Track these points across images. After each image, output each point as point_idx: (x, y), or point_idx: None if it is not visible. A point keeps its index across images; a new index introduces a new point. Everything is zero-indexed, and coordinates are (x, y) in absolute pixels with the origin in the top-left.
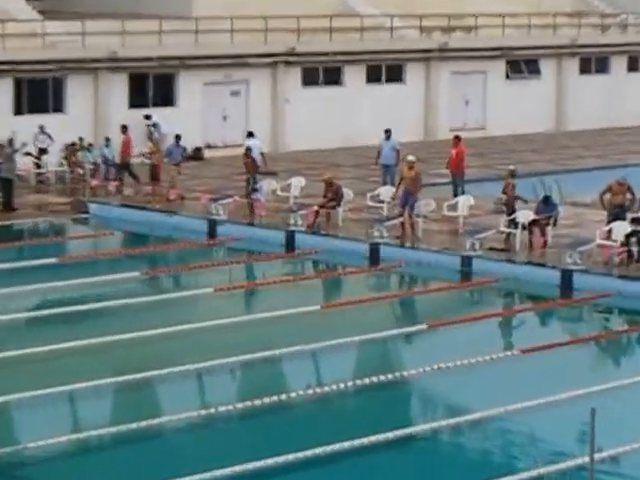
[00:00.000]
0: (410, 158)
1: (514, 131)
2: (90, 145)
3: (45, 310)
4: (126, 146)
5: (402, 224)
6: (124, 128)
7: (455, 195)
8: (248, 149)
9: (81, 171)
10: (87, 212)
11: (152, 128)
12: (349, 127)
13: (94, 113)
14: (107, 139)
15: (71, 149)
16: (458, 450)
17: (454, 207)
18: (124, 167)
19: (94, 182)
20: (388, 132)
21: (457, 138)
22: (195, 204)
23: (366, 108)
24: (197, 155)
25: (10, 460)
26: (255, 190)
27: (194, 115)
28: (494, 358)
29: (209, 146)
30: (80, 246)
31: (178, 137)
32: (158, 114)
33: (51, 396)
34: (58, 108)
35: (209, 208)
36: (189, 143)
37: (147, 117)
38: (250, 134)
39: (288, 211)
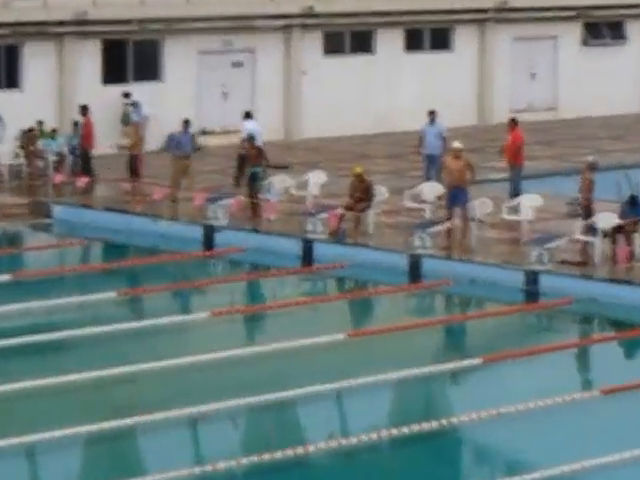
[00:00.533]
0: (456, 145)
1: (592, 113)
2: (53, 131)
3: None
4: (87, 132)
5: (449, 231)
6: (84, 109)
7: (514, 194)
8: (251, 137)
9: (41, 164)
10: (49, 216)
11: (130, 108)
12: (382, 107)
13: (58, 90)
14: (75, 124)
15: (29, 136)
16: None
17: (516, 209)
18: (83, 159)
19: (58, 178)
20: (432, 115)
21: (513, 121)
22: (187, 206)
23: (404, 83)
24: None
25: None
26: (256, 182)
27: (185, 93)
28: (567, 400)
29: (204, 132)
30: (41, 259)
31: (187, 123)
32: (140, 91)
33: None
34: (12, 84)
35: (205, 211)
36: (178, 129)
37: (126, 95)
38: (247, 115)
39: (305, 214)
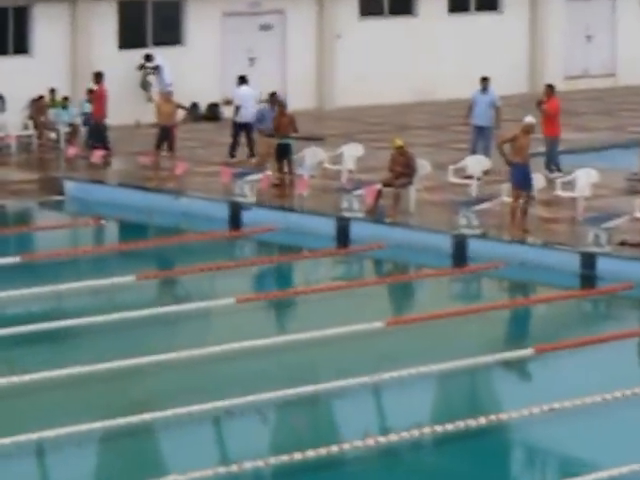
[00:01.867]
0: (530, 120)
1: None
2: (66, 100)
3: (3, 329)
4: (100, 102)
5: (513, 211)
6: (97, 77)
7: (551, 169)
8: (282, 104)
9: (53, 136)
10: (62, 193)
11: (151, 73)
12: (423, 74)
13: (71, 56)
14: (90, 91)
15: (38, 105)
16: None
17: (571, 185)
18: (96, 132)
19: (71, 151)
20: (485, 82)
21: (550, 88)
22: (212, 182)
23: (447, 48)
24: (213, 114)
25: None
26: (286, 156)
27: (208, 59)
28: (629, 395)
29: (229, 102)
30: (52, 240)
31: (273, 96)
32: (159, 57)
33: (12, 447)
34: (21, 49)
35: (232, 187)
36: (202, 97)
37: (147, 58)
38: (242, 80)
39: (340, 191)
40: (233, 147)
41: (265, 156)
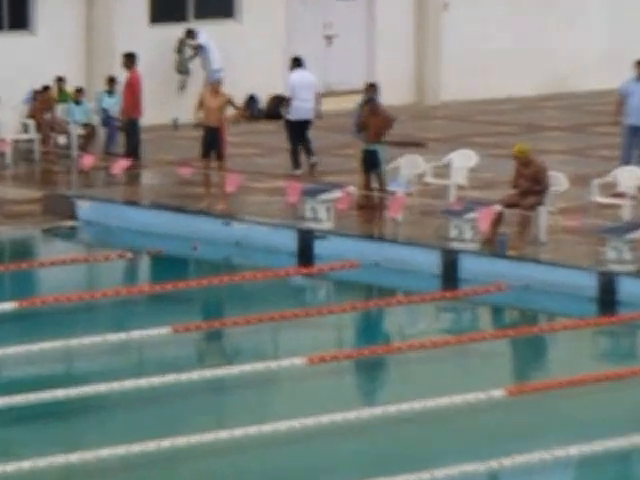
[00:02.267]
0: None
1: None
2: (79, 92)
3: None
4: (132, 93)
5: None
6: (129, 59)
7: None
8: (372, 99)
9: (62, 140)
10: (74, 217)
11: (193, 55)
12: (558, 59)
13: (86, 33)
14: (111, 80)
15: (42, 99)
16: None
17: None
18: (126, 129)
19: (86, 161)
20: None
21: None
22: (275, 201)
23: (589, 26)
24: (275, 110)
25: None
26: (376, 166)
27: (270, 37)
28: None
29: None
30: (60, 280)
31: (373, 87)
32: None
33: None
34: (20, 23)
35: (301, 209)
36: (261, 89)
37: (189, 34)
38: (297, 62)
39: (446, 214)
40: (294, 155)
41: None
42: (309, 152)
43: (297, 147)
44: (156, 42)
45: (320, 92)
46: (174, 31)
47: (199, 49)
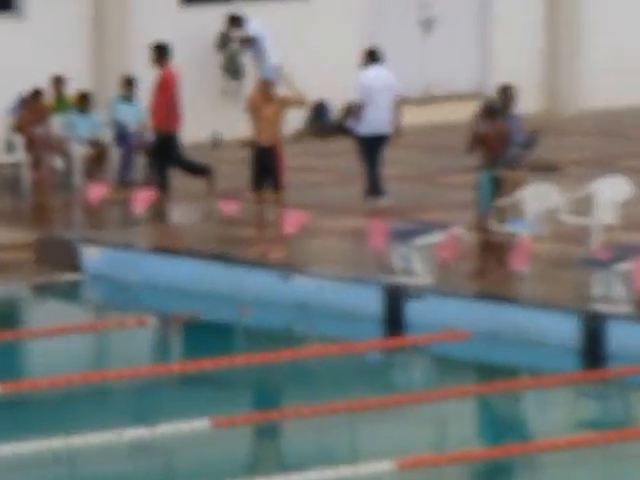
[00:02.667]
0: None
1: None
2: (84, 98)
3: None
4: (165, 97)
5: None
6: (160, 52)
7: None
8: (491, 107)
9: (59, 163)
10: (77, 268)
11: (241, 49)
12: None
13: (94, 19)
14: (128, 82)
15: (34, 108)
16: None
17: None
18: (155, 149)
19: (94, 192)
20: None
21: None
22: (352, 247)
23: None
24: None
25: None
26: (494, 195)
27: (345, 23)
28: None
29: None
30: (58, 355)
31: (508, 91)
32: (257, 20)
33: None
34: (2, 4)
35: (388, 257)
36: (334, 94)
37: (234, 21)
38: (373, 57)
39: (589, 264)
40: (373, 179)
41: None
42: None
43: (376, 168)
44: (189, 30)
45: (399, 98)
46: (214, 15)
47: (249, 42)
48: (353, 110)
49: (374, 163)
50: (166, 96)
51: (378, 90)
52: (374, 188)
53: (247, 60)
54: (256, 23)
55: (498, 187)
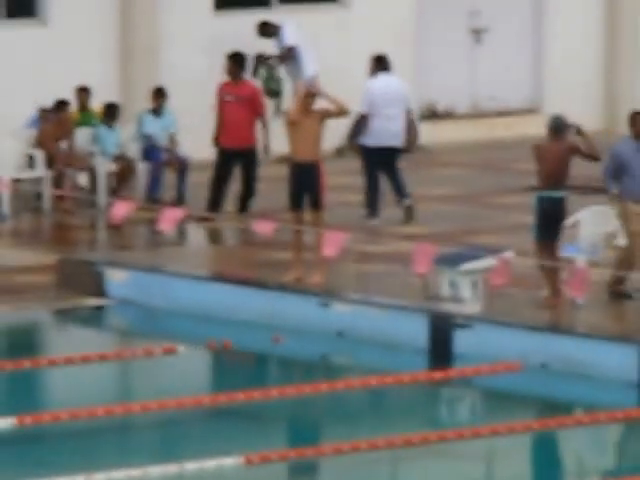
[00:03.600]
0: None
1: None
2: (110, 110)
3: None
4: (258, 113)
5: None
6: (237, 62)
7: None
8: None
9: (83, 180)
10: (100, 293)
11: (278, 62)
12: None
13: (122, 26)
14: (158, 93)
15: (57, 121)
16: None
17: None
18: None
19: (119, 210)
20: None
21: None
22: (396, 272)
23: None
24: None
25: None
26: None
27: (390, 32)
28: None
29: (434, 114)
30: (80, 386)
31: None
32: (294, 26)
33: None
34: (24, 9)
35: (435, 284)
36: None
37: (264, 29)
38: (379, 63)
39: None
40: (371, 196)
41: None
42: (399, 191)
43: (375, 185)
44: (224, 37)
45: (413, 112)
46: (250, 21)
47: (289, 53)
48: (358, 122)
49: (374, 178)
50: (259, 112)
51: (386, 100)
52: (369, 206)
53: (283, 74)
54: (291, 31)
55: (559, 210)
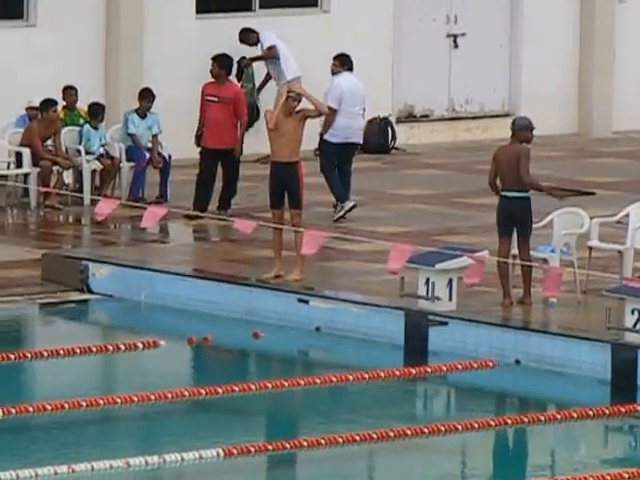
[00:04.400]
0: None
1: None
2: (96, 110)
3: None
4: (241, 115)
5: None
6: (225, 63)
7: None
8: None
9: (67, 179)
10: (84, 287)
11: (268, 58)
12: None
13: (105, 27)
14: (145, 94)
15: (45, 120)
16: None
17: None
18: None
19: (103, 207)
20: None
21: None
22: (373, 270)
23: None
24: (378, 141)
25: None
26: (520, 226)
27: (374, 36)
28: None
29: (412, 116)
30: (64, 378)
31: None
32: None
33: None
34: (13, 10)
35: (411, 282)
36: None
37: (246, 35)
38: (342, 61)
39: (620, 292)
40: (338, 188)
41: None
42: (346, 190)
43: (335, 176)
44: (206, 42)
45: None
46: (232, 27)
47: (271, 50)
48: (328, 117)
49: (333, 171)
50: (240, 114)
51: (352, 97)
52: (340, 193)
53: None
54: (269, 35)
55: (523, 210)
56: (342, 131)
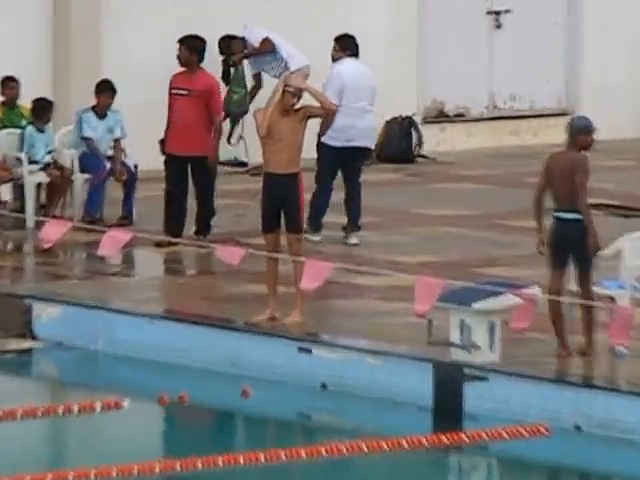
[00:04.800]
0: None
1: None
2: (41, 108)
3: None
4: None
5: None
6: (195, 47)
7: None
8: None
9: (6, 194)
10: (27, 333)
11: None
12: None
13: (54, 8)
14: (103, 87)
15: None
16: None
17: None
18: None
19: (49, 232)
20: None
21: None
22: (393, 310)
23: None
24: (401, 147)
25: None
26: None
27: (392, 15)
28: None
29: (442, 115)
30: (6, 449)
31: None
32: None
33: None
34: None
35: (441, 325)
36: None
37: (228, 44)
38: (348, 46)
39: None
40: (318, 204)
41: None
42: (353, 213)
43: (328, 196)
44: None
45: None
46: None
47: (265, 43)
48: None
49: (329, 187)
50: (213, 111)
51: (357, 89)
52: (315, 217)
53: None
54: (257, 30)
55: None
56: (343, 132)
